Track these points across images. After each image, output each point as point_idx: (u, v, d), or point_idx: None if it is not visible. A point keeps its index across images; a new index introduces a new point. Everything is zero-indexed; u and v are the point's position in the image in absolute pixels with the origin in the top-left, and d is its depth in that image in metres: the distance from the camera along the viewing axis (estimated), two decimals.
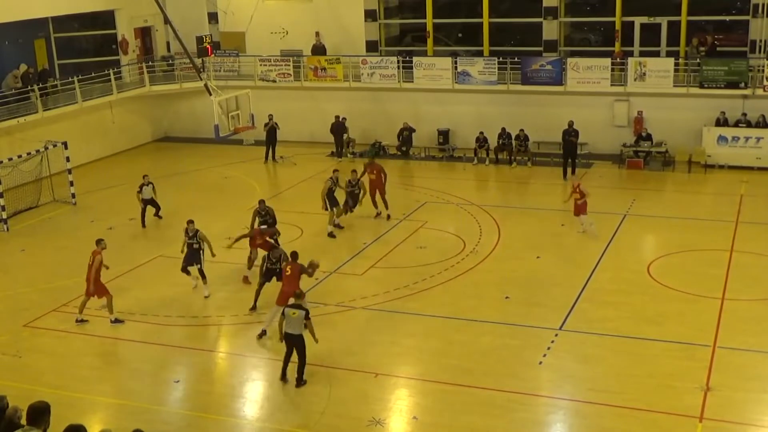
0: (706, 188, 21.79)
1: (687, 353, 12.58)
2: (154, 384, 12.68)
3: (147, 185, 20.33)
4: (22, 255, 18.48)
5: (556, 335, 13.38)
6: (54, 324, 14.58)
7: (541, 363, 12.50)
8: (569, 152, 22.50)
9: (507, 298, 14.94)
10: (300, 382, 12.14)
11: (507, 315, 14.18)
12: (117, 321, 14.57)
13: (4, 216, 19.91)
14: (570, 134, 22.52)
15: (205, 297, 15.48)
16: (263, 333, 13.79)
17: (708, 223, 18.58)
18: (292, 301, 12.62)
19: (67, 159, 21.80)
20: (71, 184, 21.79)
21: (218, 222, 19.57)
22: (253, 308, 14.80)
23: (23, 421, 8.25)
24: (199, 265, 15.53)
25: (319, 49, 26.91)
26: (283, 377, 12.29)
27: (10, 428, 8.69)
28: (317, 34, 27.27)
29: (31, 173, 21.73)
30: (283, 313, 12.24)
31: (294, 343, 12.14)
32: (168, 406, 12.05)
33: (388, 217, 19.34)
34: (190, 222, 15.69)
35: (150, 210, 20.25)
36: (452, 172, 23.98)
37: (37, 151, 21.48)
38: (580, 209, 17.76)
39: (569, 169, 22.54)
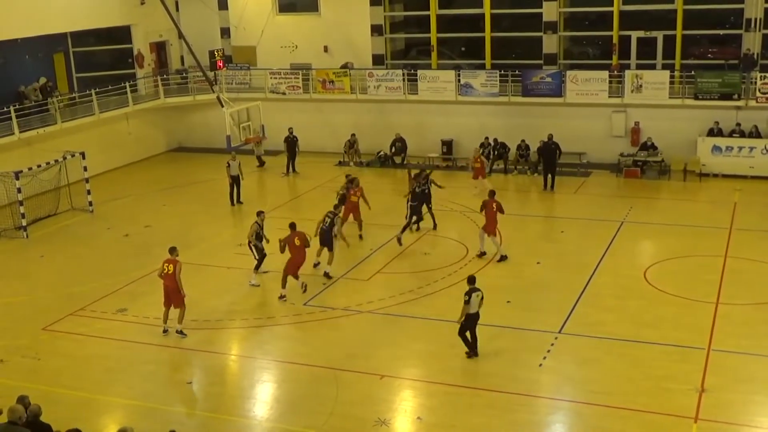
0: (700, 196, 21.84)
1: (682, 356, 12.80)
2: (168, 385, 12.91)
3: (234, 160, 21.18)
4: (41, 261, 18.74)
5: (556, 338, 13.58)
6: (71, 327, 14.81)
7: (541, 365, 12.72)
8: (548, 164, 22.43)
9: (508, 302, 15.06)
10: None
11: (508, 319, 14.34)
12: (182, 333, 14.29)
13: (24, 223, 20.16)
14: (549, 146, 22.43)
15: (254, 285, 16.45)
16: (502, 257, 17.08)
17: (703, 230, 18.67)
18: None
19: (85, 168, 22.07)
20: (88, 192, 22.02)
21: (229, 230, 20.12)
22: (434, 227, 18.97)
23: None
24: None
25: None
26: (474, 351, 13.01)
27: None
28: (326, 48, 27.74)
29: (50, 182, 21.95)
30: (468, 301, 12.78)
31: (472, 324, 13.00)
32: (181, 407, 12.27)
33: None
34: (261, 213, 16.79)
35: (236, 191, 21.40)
36: (455, 181, 23.94)
37: (56, 160, 21.71)
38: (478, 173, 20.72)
39: (549, 182, 22.48)
